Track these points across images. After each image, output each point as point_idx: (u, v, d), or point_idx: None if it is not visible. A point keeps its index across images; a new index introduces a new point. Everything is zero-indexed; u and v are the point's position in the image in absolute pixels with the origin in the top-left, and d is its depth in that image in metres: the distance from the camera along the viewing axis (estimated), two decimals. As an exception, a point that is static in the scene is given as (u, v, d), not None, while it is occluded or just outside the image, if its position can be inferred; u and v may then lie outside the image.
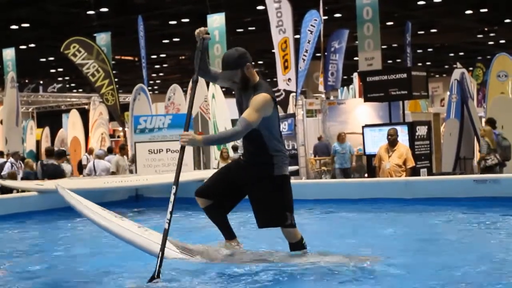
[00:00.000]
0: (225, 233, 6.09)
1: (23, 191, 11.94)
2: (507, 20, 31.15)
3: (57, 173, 14.00)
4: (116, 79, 21.96)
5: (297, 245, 5.82)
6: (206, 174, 13.07)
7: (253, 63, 5.83)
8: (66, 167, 17.05)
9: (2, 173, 16.85)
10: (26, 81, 36.15)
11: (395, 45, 32.28)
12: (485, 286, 4.96)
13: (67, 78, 41.39)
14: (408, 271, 5.50)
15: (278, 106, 23.61)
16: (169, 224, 5.44)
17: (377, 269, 5.49)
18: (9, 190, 14.01)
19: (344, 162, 17.65)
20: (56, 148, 18.62)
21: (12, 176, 15.78)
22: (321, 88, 21.00)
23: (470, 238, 7.22)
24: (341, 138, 17.66)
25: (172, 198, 5.59)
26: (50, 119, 31.20)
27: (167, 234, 5.39)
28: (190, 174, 12.95)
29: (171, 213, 5.48)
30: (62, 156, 15.47)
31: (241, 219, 8.15)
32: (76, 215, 9.23)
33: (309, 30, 18.55)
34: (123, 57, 36.03)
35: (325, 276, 5.34)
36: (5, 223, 9.54)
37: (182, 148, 5.73)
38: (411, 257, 6.14)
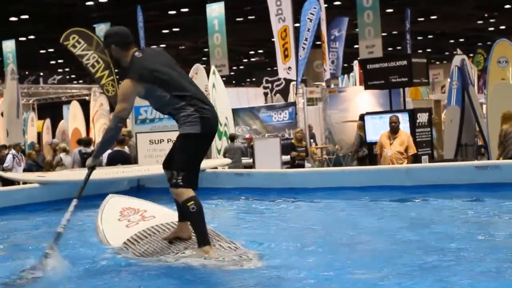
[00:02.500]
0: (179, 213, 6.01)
1: (25, 183, 11.95)
2: (507, 6, 31.07)
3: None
4: (116, 70, 21.92)
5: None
6: (207, 164, 13.12)
7: (131, 42, 5.79)
8: (66, 158, 17.08)
9: (4, 165, 16.89)
10: (27, 73, 36.12)
11: (395, 32, 32.23)
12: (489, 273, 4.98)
13: (67, 69, 41.37)
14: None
15: (278, 94, 23.48)
16: (63, 229, 5.55)
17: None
18: (11, 181, 14.04)
19: None
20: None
21: None
22: (327, 75, 20.90)
23: (469, 224, 7.23)
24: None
25: (72, 209, 5.67)
26: (51, 110, 31.16)
27: (58, 238, 5.49)
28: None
29: (68, 220, 5.60)
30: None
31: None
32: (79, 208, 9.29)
33: (308, 18, 18.51)
34: (123, 48, 35.95)
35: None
36: (7, 215, 9.56)
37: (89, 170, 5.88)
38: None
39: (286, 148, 16.92)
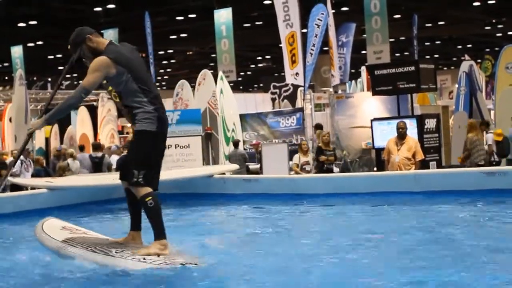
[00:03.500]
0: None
1: (32, 188, 11.97)
2: (515, 12, 31.02)
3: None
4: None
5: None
6: (215, 170, 13.13)
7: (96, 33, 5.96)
8: (74, 164, 17.12)
9: (13, 171, 16.89)
10: (35, 78, 36.24)
11: (403, 38, 32.20)
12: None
13: (75, 75, 41.45)
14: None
15: (286, 100, 23.47)
16: None
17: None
18: (19, 187, 14.05)
19: None
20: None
21: None
22: (335, 81, 20.86)
23: (476, 229, 7.21)
24: None
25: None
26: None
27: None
28: (199, 169, 12.98)
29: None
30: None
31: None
32: (83, 212, 9.31)
33: (316, 24, 18.50)
34: (130, 53, 36.03)
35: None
36: (15, 220, 9.58)
37: (29, 135, 6.02)
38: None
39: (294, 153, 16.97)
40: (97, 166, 16.27)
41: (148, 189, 5.76)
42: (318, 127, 16.82)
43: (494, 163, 14.83)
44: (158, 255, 5.65)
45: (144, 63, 6.03)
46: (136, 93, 5.76)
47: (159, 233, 5.76)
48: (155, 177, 5.92)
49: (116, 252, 5.71)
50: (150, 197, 5.73)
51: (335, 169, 14.78)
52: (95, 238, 6.25)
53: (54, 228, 6.43)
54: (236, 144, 16.75)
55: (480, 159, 14.51)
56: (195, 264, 5.57)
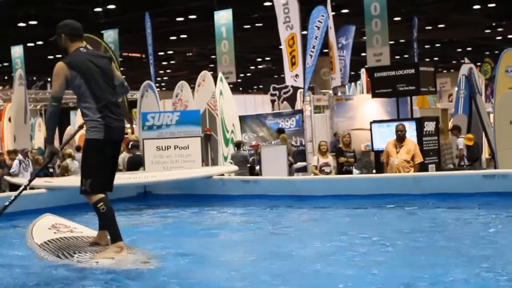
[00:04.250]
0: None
1: (31, 188, 11.95)
2: (515, 15, 31.03)
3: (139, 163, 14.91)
4: (124, 76, 21.95)
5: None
6: (214, 171, 13.12)
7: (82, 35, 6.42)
8: (73, 164, 17.10)
9: (11, 171, 16.90)
10: (34, 78, 36.20)
11: (403, 40, 32.20)
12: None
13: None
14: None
15: (285, 102, 23.49)
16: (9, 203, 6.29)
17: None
18: (18, 187, 14.03)
19: None
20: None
21: None
22: (335, 83, 20.81)
23: (476, 232, 7.21)
24: None
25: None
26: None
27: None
28: (198, 170, 12.98)
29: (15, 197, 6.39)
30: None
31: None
32: (84, 211, 9.30)
33: (316, 26, 18.51)
34: (130, 54, 36.07)
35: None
36: (14, 220, 9.57)
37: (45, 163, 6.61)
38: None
39: (296, 155, 17.00)
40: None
41: (98, 196, 5.95)
42: (280, 131, 16.85)
43: (464, 167, 15.15)
44: (114, 258, 5.84)
45: (108, 72, 6.18)
46: (86, 98, 5.98)
47: (115, 237, 5.97)
48: (106, 181, 6.11)
49: (77, 257, 5.96)
50: (101, 203, 5.93)
51: (355, 171, 14.55)
52: (73, 239, 6.42)
53: (42, 228, 6.68)
54: (238, 145, 16.76)
55: (448, 163, 14.90)
56: (146, 264, 5.75)
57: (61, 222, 6.98)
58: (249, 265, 5.93)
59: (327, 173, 13.90)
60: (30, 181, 6.97)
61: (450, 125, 19.29)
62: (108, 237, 6.16)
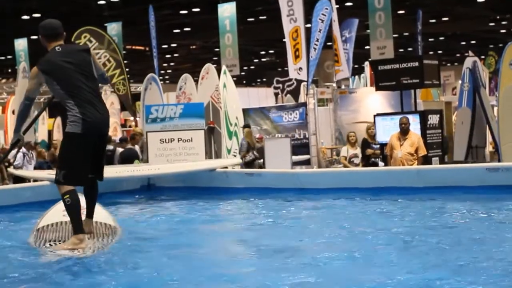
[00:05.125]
0: None
1: (35, 180, 11.99)
2: (520, 8, 30.96)
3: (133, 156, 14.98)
4: (127, 69, 21.95)
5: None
6: (217, 164, 13.13)
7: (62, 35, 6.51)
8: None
9: (15, 163, 16.92)
10: (38, 71, 36.10)
11: (407, 33, 32.14)
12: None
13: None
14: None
15: (289, 95, 23.42)
16: None
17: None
18: (22, 179, 14.08)
19: None
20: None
21: None
22: (343, 75, 20.69)
23: (478, 226, 7.22)
24: None
25: None
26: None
27: None
28: (202, 163, 12.99)
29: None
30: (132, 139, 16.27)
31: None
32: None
33: (320, 19, 18.45)
34: (134, 47, 36.05)
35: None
36: (17, 213, 9.60)
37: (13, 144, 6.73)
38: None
39: (299, 148, 16.97)
40: (109, 159, 16.18)
41: (67, 188, 6.18)
42: (246, 126, 16.75)
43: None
44: (74, 249, 6.08)
45: (84, 65, 6.33)
46: (64, 97, 6.23)
47: (76, 228, 6.20)
48: (81, 174, 6.27)
49: (49, 245, 6.34)
50: (67, 195, 6.15)
51: (380, 163, 14.19)
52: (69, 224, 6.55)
53: (57, 211, 7.05)
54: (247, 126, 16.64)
55: None
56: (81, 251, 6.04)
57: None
58: (235, 264, 5.92)
59: (356, 165, 13.85)
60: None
61: (454, 118, 19.26)
62: (91, 226, 6.54)
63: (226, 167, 12.82)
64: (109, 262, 5.75)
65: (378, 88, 16.23)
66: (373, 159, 13.82)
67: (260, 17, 30.73)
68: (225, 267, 5.61)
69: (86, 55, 6.41)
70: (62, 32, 6.50)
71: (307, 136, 17.87)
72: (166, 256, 6.07)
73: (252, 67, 49.11)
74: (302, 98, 20.70)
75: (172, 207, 10.13)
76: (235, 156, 16.26)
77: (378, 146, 14.13)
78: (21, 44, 27.25)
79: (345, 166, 13.74)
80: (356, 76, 29.54)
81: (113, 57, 20.89)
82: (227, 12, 21.48)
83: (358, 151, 14.23)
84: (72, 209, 6.17)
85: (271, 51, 41.72)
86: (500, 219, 7.65)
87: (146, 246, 6.59)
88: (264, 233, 7.35)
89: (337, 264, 5.53)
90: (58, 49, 6.36)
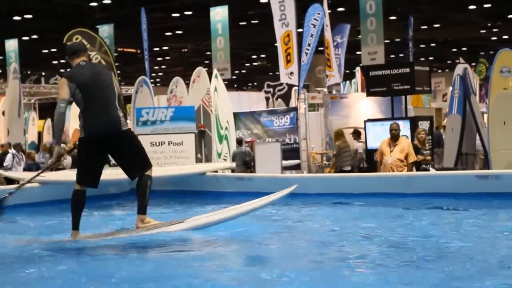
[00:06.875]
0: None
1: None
2: (511, 16, 31.08)
3: None
4: (118, 71, 21.92)
5: None
6: (208, 167, 13.11)
7: (88, 53, 7.73)
8: (67, 159, 17.05)
9: (4, 165, 16.87)
10: (29, 72, 36.11)
11: (398, 39, 32.22)
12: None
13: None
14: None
15: (280, 99, 23.44)
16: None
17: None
18: (13, 181, 14.01)
19: None
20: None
21: None
22: (334, 80, 20.71)
23: (466, 235, 7.22)
24: None
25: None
26: (52, 110, 31.12)
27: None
28: (192, 167, 12.97)
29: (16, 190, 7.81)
30: None
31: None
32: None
33: (312, 24, 18.48)
34: (125, 49, 36.00)
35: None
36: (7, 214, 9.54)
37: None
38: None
39: (290, 152, 16.98)
40: None
41: (76, 187, 7.11)
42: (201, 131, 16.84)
43: (363, 169, 16.13)
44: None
45: (106, 79, 7.23)
46: (80, 103, 7.04)
47: (73, 225, 7.11)
48: (90, 176, 7.13)
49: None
50: (72, 194, 7.10)
51: (432, 170, 13.07)
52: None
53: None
54: (239, 142, 16.66)
55: (345, 164, 15.45)
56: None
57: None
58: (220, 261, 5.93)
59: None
60: (34, 177, 8.35)
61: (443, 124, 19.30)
62: (144, 223, 7.20)
63: (217, 171, 12.79)
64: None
65: (369, 94, 16.27)
66: (424, 166, 12.69)
67: (252, 21, 30.75)
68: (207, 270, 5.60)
69: (105, 71, 7.39)
70: (82, 50, 7.46)
71: (297, 141, 17.89)
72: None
73: (243, 71, 49.13)
74: (293, 103, 20.75)
75: (164, 208, 10.09)
76: (225, 160, 16.25)
77: (429, 152, 13.19)
78: (11, 45, 27.14)
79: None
80: (347, 82, 29.59)
81: (104, 59, 20.84)
82: (219, 16, 21.49)
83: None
84: (73, 207, 7.05)
85: (263, 55, 41.76)
86: (489, 227, 7.66)
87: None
88: (249, 238, 7.34)
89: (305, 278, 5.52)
90: (83, 63, 7.24)
